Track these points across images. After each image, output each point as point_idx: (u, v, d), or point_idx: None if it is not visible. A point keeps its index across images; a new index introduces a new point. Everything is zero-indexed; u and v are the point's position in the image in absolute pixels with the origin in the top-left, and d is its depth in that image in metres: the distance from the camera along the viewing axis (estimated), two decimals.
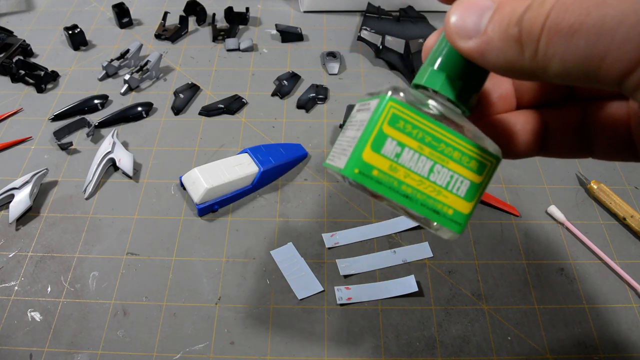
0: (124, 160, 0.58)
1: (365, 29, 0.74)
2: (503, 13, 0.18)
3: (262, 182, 0.56)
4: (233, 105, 0.65)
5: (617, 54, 0.15)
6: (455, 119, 0.23)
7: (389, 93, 0.22)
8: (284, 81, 0.69)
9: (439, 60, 0.23)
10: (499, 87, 0.25)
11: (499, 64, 0.18)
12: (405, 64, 0.70)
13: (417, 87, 0.24)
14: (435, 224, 0.23)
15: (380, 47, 0.72)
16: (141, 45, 0.72)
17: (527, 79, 0.18)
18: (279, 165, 0.57)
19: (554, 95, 0.25)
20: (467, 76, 0.22)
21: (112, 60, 0.70)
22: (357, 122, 0.24)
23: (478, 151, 0.23)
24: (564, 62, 0.16)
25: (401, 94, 0.22)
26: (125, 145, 0.61)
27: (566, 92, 0.25)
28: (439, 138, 0.23)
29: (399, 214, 0.24)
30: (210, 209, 0.54)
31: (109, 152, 0.58)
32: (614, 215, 0.55)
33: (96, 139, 0.62)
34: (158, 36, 0.76)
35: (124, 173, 0.58)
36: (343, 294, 0.48)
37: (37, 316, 0.47)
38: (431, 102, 0.23)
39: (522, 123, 0.24)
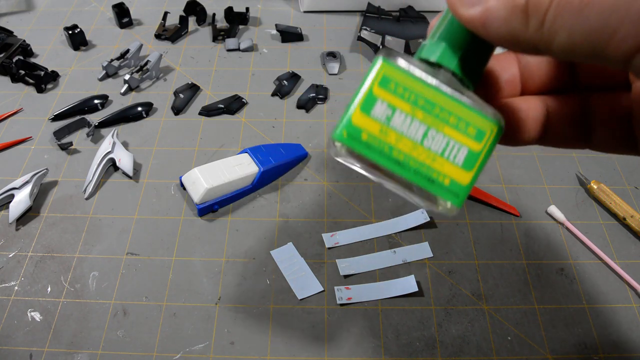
0: (124, 160, 0.58)
1: (365, 29, 0.74)
2: None
3: (262, 182, 0.56)
4: (233, 105, 0.65)
5: (629, 30, 0.14)
6: (463, 93, 0.22)
7: (383, 55, 0.21)
8: (284, 81, 0.69)
9: (440, 32, 0.22)
10: (507, 70, 0.24)
11: (502, 35, 0.18)
12: None
13: (421, 61, 0.22)
14: (432, 195, 0.22)
15: (380, 47, 0.72)
16: (141, 45, 0.72)
17: (530, 53, 0.18)
18: (279, 165, 0.57)
19: (558, 82, 0.25)
20: (470, 48, 0.21)
21: (112, 60, 0.70)
22: None
23: (476, 116, 0.22)
24: (571, 35, 0.15)
25: (399, 59, 0.21)
26: (125, 145, 0.61)
27: (570, 80, 0.24)
28: (433, 102, 0.21)
29: (394, 190, 0.23)
30: (210, 209, 0.54)
31: (109, 152, 0.58)
32: (614, 215, 0.55)
33: (96, 139, 0.62)
34: (158, 36, 0.76)
35: (124, 173, 0.58)
36: (343, 294, 0.48)
37: (37, 316, 0.47)
38: (437, 77, 0.22)
39: (525, 109, 0.23)
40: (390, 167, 0.21)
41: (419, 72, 0.21)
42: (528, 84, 0.25)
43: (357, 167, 0.22)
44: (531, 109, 0.23)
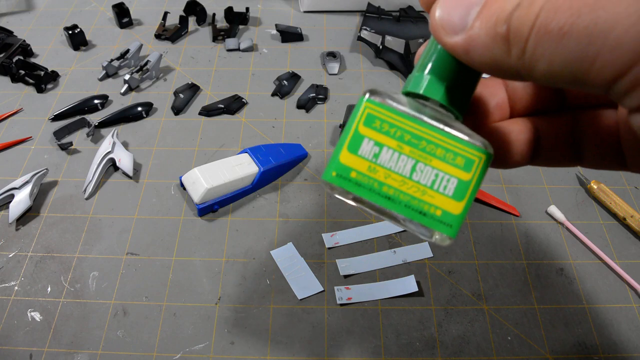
0: (124, 160, 0.58)
1: (365, 29, 0.74)
2: (491, 9, 0.17)
3: (262, 182, 0.56)
4: (233, 105, 0.65)
5: (607, 58, 0.15)
6: (449, 124, 0.22)
7: (366, 95, 0.22)
8: (284, 81, 0.69)
9: (425, 63, 0.22)
10: (495, 95, 0.24)
11: (485, 62, 0.18)
12: (405, 64, 0.70)
13: (407, 94, 0.23)
14: (427, 228, 0.22)
15: (380, 47, 0.72)
16: (141, 45, 0.72)
17: (512, 79, 0.18)
18: (279, 165, 0.57)
19: (546, 103, 0.25)
20: (456, 78, 0.22)
21: (112, 60, 0.70)
22: None
23: (463, 146, 0.22)
24: (551, 63, 0.16)
25: (383, 97, 0.21)
26: (125, 145, 0.61)
27: (558, 100, 0.25)
28: (419, 135, 0.22)
29: (391, 223, 0.23)
30: (210, 209, 0.54)
31: (109, 152, 0.58)
32: (614, 215, 0.55)
33: (96, 139, 0.62)
34: (158, 36, 0.76)
35: (124, 173, 0.58)
36: (343, 294, 0.48)
37: (37, 316, 0.47)
38: (424, 111, 0.22)
39: (516, 132, 0.24)
40: (381, 203, 0.22)
41: (402, 108, 0.21)
42: (516, 107, 0.25)
43: (353, 203, 0.22)
44: (521, 132, 0.24)
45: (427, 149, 0.22)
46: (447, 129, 0.21)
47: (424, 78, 0.22)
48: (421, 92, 0.22)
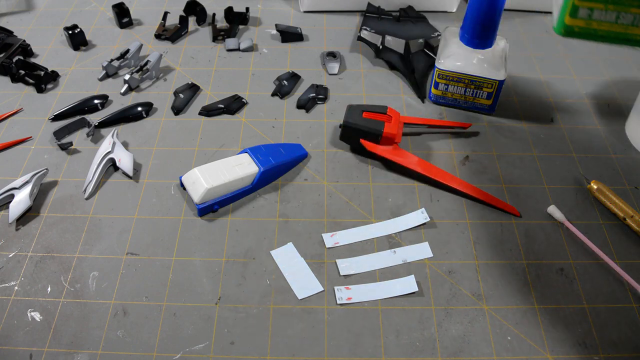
0: (124, 160, 0.58)
1: (365, 29, 0.74)
2: None
3: (262, 182, 0.56)
4: (233, 105, 0.65)
5: None
6: None
7: None
8: (284, 81, 0.69)
9: None
10: None
11: None
12: (405, 64, 0.70)
13: None
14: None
15: (380, 47, 0.72)
16: (141, 45, 0.72)
17: None
18: (279, 165, 0.57)
19: None
20: None
21: (112, 60, 0.70)
22: None
23: None
24: None
25: None
26: (125, 145, 0.61)
27: None
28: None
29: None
30: (210, 209, 0.54)
31: (109, 152, 0.58)
32: (614, 215, 0.55)
33: (96, 139, 0.62)
34: (158, 36, 0.76)
35: (124, 173, 0.58)
36: (343, 294, 0.48)
37: (37, 316, 0.47)
38: None
39: None
40: (598, 40, 0.43)
41: None
42: None
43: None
44: None
45: (626, 2, 0.39)
46: None
47: None
48: None
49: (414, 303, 0.48)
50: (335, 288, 0.49)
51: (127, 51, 0.71)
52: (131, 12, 0.78)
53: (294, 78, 0.69)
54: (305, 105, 0.66)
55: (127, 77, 0.67)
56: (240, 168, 0.55)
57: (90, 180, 0.56)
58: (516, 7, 0.82)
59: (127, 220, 0.54)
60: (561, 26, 0.44)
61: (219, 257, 0.51)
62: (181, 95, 0.67)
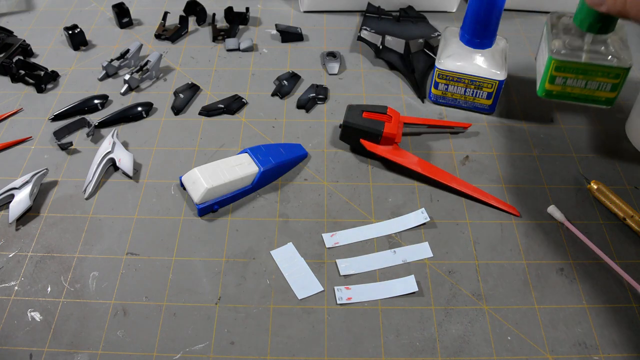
0: (124, 160, 0.58)
1: (365, 29, 0.74)
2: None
3: (262, 182, 0.56)
4: (233, 105, 0.65)
5: None
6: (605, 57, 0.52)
7: (552, 52, 0.52)
8: (284, 81, 0.69)
9: (584, 16, 0.50)
10: None
11: (614, 13, 0.42)
12: (405, 64, 0.70)
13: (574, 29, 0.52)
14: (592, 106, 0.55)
15: (380, 47, 0.72)
16: (141, 45, 0.72)
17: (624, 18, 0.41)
18: (279, 165, 0.57)
19: None
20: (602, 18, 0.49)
21: (112, 60, 0.70)
22: (541, 57, 0.57)
23: (614, 69, 0.51)
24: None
25: (562, 52, 0.52)
26: (125, 145, 0.61)
27: None
28: (587, 70, 0.52)
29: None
30: (210, 209, 0.54)
31: (109, 152, 0.58)
32: (614, 215, 0.55)
33: (96, 139, 0.62)
34: (158, 36, 0.76)
35: (124, 173, 0.58)
36: (343, 294, 0.48)
37: (37, 316, 0.47)
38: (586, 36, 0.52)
39: None
40: (570, 100, 0.55)
41: (574, 57, 0.52)
42: None
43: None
44: None
45: (592, 73, 0.52)
46: (604, 62, 0.51)
47: (584, 18, 0.50)
48: (585, 29, 0.51)
49: (414, 303, 0.48)
50: (335, 288, 0.49)
51: (127, 51, 0.71)
52: (131, 12, 0.78)
53: (294, 78, 0.69)
54: (305, 105, 0.66)
55: (127, 77, 0.67)
56: (240, 168, 0.55)
57: (90, 180, 0.56)
58: (516, 7, 0.82)
59: (127, 220, 0.54)
60: (542, 90, 0.56)
61: (219, 257, 0.51)
62: (181, 95, 0.67)
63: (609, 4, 0.41)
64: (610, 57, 0.52)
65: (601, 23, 0.50)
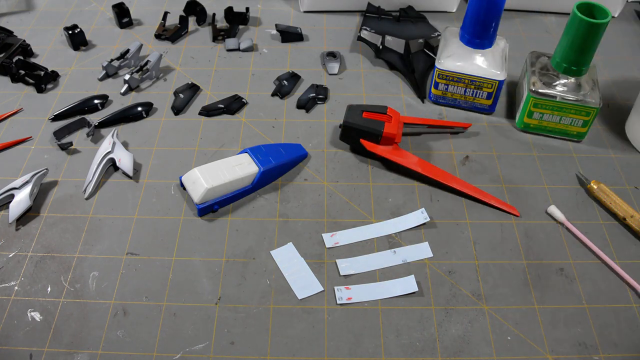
0: (124, 160, 0.58)
1: (365, 29, 0.74)
2: None
3: (262, 182, 0.56)
4: (233, 105, 0.65)
5: None
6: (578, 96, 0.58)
7: (531, 90, 0.59)
8: (284, 81, 0.69)
9: (561, 60, 0.58)
10: None
11: None
12: (405, 64, 0.70)
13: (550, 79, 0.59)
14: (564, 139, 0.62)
15: (380, 47, 0.72)
16: (141, 45, 0.72)
17: None
18: (279, 165, 0.57)
19: None
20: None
21: (112, 60, 0.70)
22: (521, 92, 0.63)
23: (585, 107, 0.58)
24: None
25: (539, 90, 0.58)
26: (125, 145, 0.61)
27: None
28: (561, 107, 0.59)
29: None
30: (210, 209, 0.54)
31: (109, 152, 0.58)
32: (614, 215, 0.55)
33: (96, 139, 0.62)
34: (158, 36, 0.76)
35: (124, 173, 0.58)
36: (343, 294, 0.48)
37: (37, 316, 0.47)
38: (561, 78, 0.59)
39: None
40: (544, 132, 0.62)
41: (549, 96, 0.58)
42: None
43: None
44: None
45: (566, 110, 0.59)
46: (577, 102, 0.58)
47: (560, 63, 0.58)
48: (560, 71, 0.58)
49: (414, 303, 0.48)
50: (335, 288, 0.49)
51: (127, 51, 0.71)
52: (131, 12, 0.78)
53: (294, 78, 0.69)
54: (305, 105, 0.66)
55: (127, 77, 0.67)
56: (240, 168, 0.55)
57: (90, 180, 0.56)
58: (516, 7, 0.82)
59: (127, 220, 0.54)
60: (521, 123, 0.62)
61: (219, 257, 0.51)
62: (181, 95, 0.67)
63: None
64: (582, 97, 0.58)
65: (575, 67, 0.57)
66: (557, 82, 0.59)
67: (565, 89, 0.59)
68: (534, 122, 0.61)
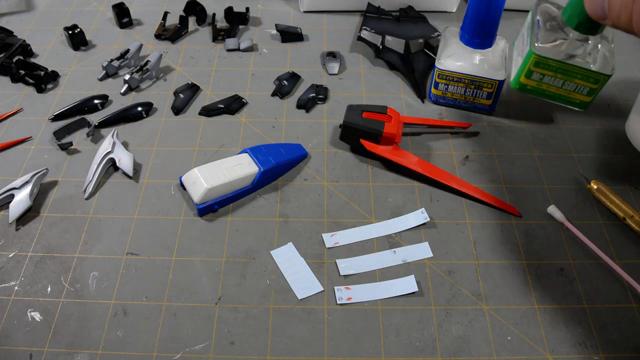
0: (124, 160, 0.58)
1: (365, 29, 0.74)
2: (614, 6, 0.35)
3: (262, 182, 0.56)
4: (233, 105, 0.65)
5: None
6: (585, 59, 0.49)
7: (535, 47, 0.50)
8: (284, 81, 0.69)
9: (574, 13, 0.44)
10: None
11: (619, 29, 0.36)
12: (405, 64, 0.70)
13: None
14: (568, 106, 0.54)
15: (380, 47, 0.72)
16: (141, 45, 0.72)
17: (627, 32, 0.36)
18: (279, 165, 0.57)
19: None
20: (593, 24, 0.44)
21: (112, 60, 0.70)
22: (521, 46, 0.54)
23: (594, 73, 0.49)
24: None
25: (544, 47, 0.49)
26: (125, 145, 0.61)
27: None
28: (567, 70, 0.50)
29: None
30: (210, 209, 0.54)
31: (109, 152, 0.58)
32: (614, 215, 0.55)
33: (96, 139, 0.62)
34: (158, 36, 0.76)
35: (124, 173, 0.58)
36: (343, 294, 0.48)
37: (37, 316, 0.47)
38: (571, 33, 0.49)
39: None
40: (545, 97, 0.53)
41: (556, 55, 0.49)
42: None
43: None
44: None
45: (571, 74, 0.50)
46: (586, 66, 0.49)
47: (574, 17, 0.45)
48: (572, 27, 0.45)
49: (414, 303, 0.48)
50: (335, 288, 0.49)
51: (127, 51, 0.71)
52: (131, 12, 0.78)
53: (294, 78, 0.69)
54: (305, 105, 0.66)
55: (127, 77, 0.67)
56: (240, 168, 0.55)
57: (90, 180, 0.56)
58: (516, 7, 0.82)
59: (127, 220, 0.54)
60: (517, 82, 0.54)
61: (219, 257, 0.51)
62: (181, 95, 0.67)
63: (614, 19, 0.36)
64: (593, 60, 0.50)
65: (590, 23, 0.45)
66: (566, 40, 0.50)
67: (575, 48, 0.49)
68: (532, 84, 0.53)
